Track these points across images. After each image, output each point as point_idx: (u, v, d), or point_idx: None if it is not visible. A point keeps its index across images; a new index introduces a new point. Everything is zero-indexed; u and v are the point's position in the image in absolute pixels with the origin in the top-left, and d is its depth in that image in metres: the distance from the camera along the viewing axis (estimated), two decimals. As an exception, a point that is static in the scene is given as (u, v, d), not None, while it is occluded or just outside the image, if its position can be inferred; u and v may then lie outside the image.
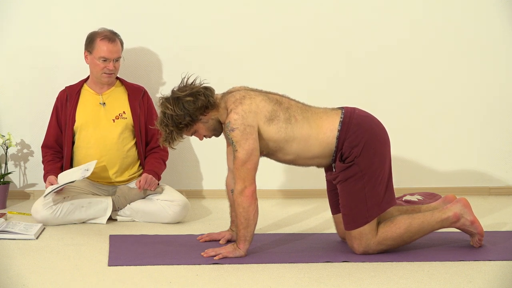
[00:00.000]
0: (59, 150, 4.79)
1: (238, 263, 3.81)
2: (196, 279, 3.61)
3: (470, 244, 4.10)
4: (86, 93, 4.79)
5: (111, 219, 4.63)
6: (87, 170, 4.49)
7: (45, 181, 4.66)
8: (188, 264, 3.79)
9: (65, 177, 4.56)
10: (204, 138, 4.00)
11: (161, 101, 3.90)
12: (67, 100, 4.77)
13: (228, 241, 4.15)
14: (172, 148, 3.96)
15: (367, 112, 4.03)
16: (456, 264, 3.82)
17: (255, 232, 3.93)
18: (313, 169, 4.15)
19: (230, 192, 4.16)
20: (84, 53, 4.75)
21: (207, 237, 4.20)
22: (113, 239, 4.23)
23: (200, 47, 5.23)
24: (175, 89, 3.90)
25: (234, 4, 5.23)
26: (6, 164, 5.05)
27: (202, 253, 3.91)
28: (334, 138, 3.91)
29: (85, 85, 4.81)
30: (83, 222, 4.59)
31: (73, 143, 4.75)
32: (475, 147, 5.45)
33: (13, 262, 3.82)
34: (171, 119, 3.85)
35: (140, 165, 4.81)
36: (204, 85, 3.91)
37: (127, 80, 4.92)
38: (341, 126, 3.91)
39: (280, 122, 3.88)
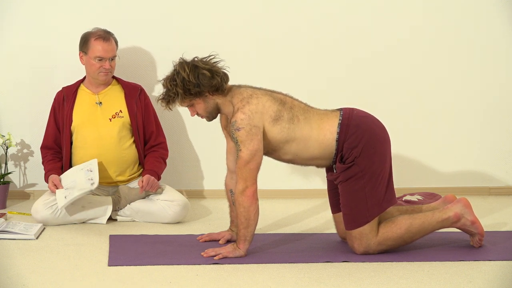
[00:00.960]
0: (58, 150, 4.79)
1: (238, 263, 3.81)
2: (196, 279, 3.60)
3: (470, 244, 4.10)
4: (83, 93, 4.79)
5: (111, 219, 4.63)
6: (91, 171, 4.49)
7: (46, 180, 4.66)
8: (188, 264, 3.79)
9: (67, 177, 4.56)
10: (195, 116, 3.97)
11: (180, 61, 3.89)
12: (64, 101, 4.77)
13: (228, 241, 4.15)
14: (169, 109, 3.90)
15: (366, 112, 4.03)
16: (456, 264, 3.82)
17: (255, 232, 3.93)
18: (313, 169, 4.16)
19: (229, 192, 4.16)
20: (79, 54, 4.74)
21: (207, 237, 4.20)
22: (113, 239, 4.23)
23: (200, 47, 5.19)
24: (197, 59, 3.90)
25: (234, 4, 5.23)
26: (6, 164, 5.05)
27: (202, 253, 3.91)
28: (333, 141, 3.90)
29: (81, 85, 4.81)
30: (83, 222, 4.59)
31: (71, 143, 4.75)
32: (475, 147, 5.44)
33: (13, 262, 3.82)
34: (182, 81, 3.84)
35: (140, 164, 4.81)
36: (224, 70, 3.92)
37: (124, 79, 4.92)
38: (340, 128, 3.90)
39: (284, 122, 3.88)
